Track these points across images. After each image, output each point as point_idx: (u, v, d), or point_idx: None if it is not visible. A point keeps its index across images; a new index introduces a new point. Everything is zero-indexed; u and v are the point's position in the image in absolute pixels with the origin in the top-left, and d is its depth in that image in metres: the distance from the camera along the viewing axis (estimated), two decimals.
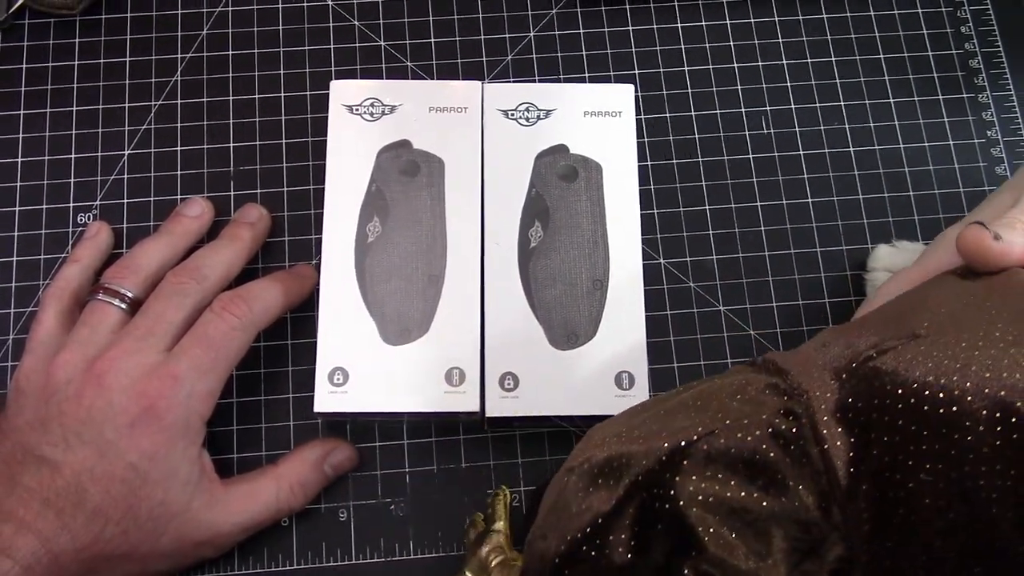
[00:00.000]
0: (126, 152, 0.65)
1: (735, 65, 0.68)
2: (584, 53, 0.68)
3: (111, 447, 0.50)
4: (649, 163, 0.65)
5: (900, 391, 0.32)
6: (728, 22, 0.68)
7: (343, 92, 0.61)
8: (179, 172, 0.64)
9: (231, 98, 0.66)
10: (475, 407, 0.56)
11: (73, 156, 0.64)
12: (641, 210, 0.62)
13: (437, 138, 0.60)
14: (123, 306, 0.55)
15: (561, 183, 0.60)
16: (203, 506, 0.53)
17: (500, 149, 0.60)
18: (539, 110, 0.61)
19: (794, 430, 0.34)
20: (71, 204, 0.63)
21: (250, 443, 0.60)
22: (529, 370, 0.56)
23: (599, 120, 0.61)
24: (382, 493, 0.59)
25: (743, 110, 0.67)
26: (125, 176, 0.64)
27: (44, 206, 0.63)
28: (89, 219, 0.63)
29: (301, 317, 0.61)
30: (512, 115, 0.61)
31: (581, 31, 0.68)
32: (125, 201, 0.64)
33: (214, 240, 0.60)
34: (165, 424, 0.51)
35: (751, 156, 0.66)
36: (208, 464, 0.54)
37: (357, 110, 0.61)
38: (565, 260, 0.59)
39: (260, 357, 0.61)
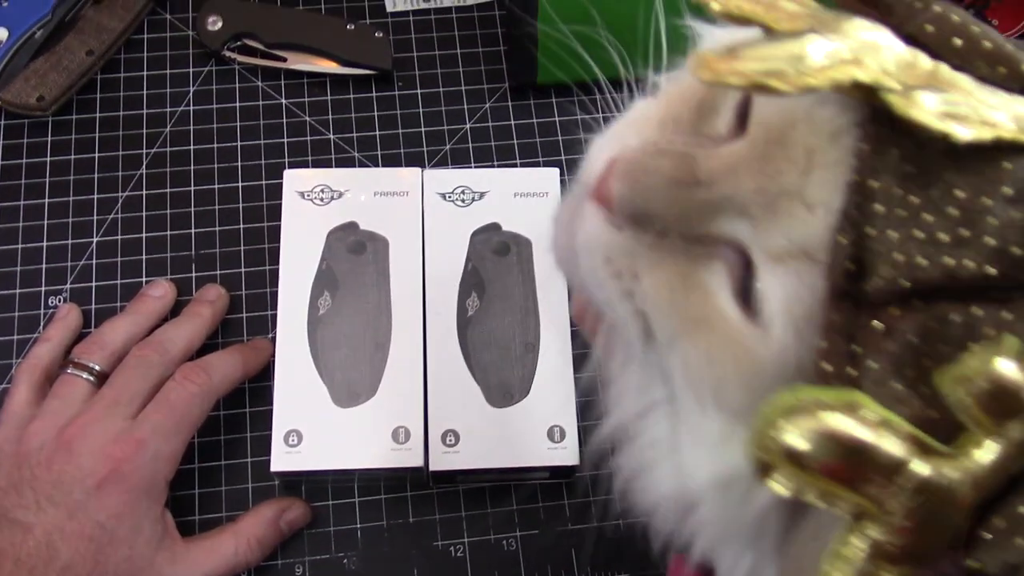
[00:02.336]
0: (95, 239, 0.70)
1: None
2: (516, 141, 0.75)
3: (80, 507, 0.55)
4: None
5: None
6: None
7: (295, 180, 0.67)
8: (144, 256, 0.70)
9: (192, 188, 0.72)
10: (420, 463, 0.61)
11: (45, 244, 0.69)
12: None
13: (382, 219, 0.66)
14: (91, 379, 0.60)
15: (495, 257, 0.66)
16: (166, 562, 0.57)
17: (439, 228, 0.66)
18: (474, 192, 0.68)
19: None
20: (43, 288, 0.68)
21: (211, 506, 0.64)
22: (469, 427, 0.62)
23: (528, 200, 0.68)
24: (335, 548, 0.63)
25: None
26: (94, 261, 0.69)
27: (17, 291, 0.68)
28: (60, 302, 0.68)
29: (258, 387, 0.66)
30: (449, 197, 0.67)
31: (512, 122, 0.76)
32: (94, 284, 0.69)
33: (176, 317, 0.65)
34: (131, 485, 0.56)
35: None
36: (171, 522, 0.58)
37: (308, 196, 0.67)
38: (500, 326, 0.64)
39: (220, 424, 0.65)
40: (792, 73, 0.23)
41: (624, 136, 0.31)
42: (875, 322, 0.24)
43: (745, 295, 0.28)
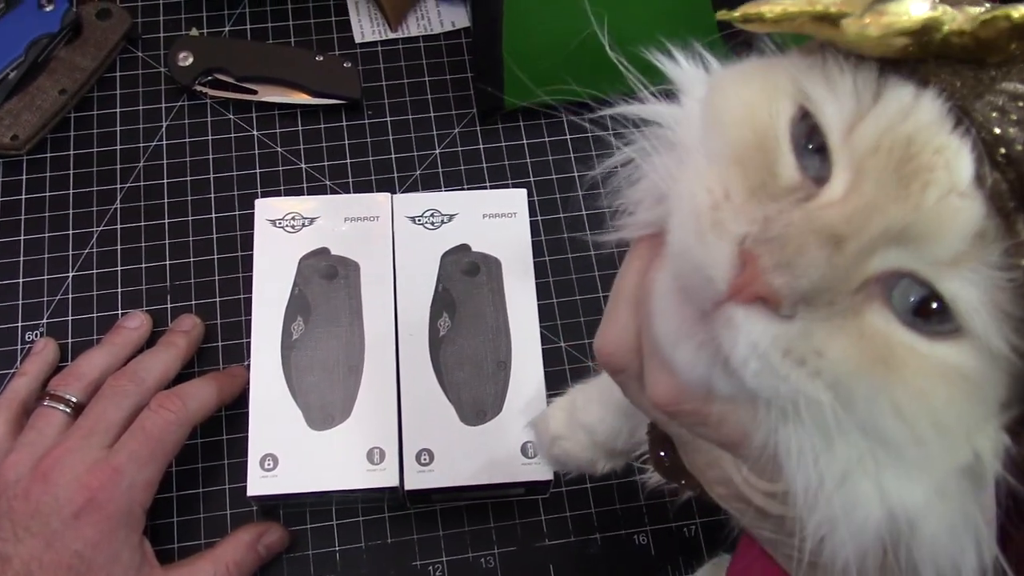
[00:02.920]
0: (70, 274, 0.71)
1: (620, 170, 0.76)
2: (484, 165, 0.76)
3: (58, 537, 0.55)
4: (547, 258, 0.73)
5: None
6: (611, 132, 0.77)
7: (267, 209, 0.68)
8: (119, 289, 0.71)
9: (166, 221, 0.73)
10: (395, 482, 0.61)
11: (21, 280, 0.70)
12: (541, 300, 0.69)
13: (353, 244, 0.67)
14: (67, 410, 0.60)
15: (465, 278, 0.67)
16: None
17: (409, 251, 0.67)
18: (443, 215, 0.69)
19: None
20: (19, 323, 0.69)
21: (190, 533, 0.64)
22: (443, 445, 0.62)
23: (497, 221, 0.69)
24: (314, 571, 0.64)
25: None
26: (70, 296, 0.70)
27: None
28: (36, 336, 0.69)
29: (235, 414, 0.67)
30: (419, 221, 0.68)
31: (481, 146, 0.77)
32: (70, 318, 0.69)
33: (151, 347, 0.66)
34: (108, 513, 0.56)
35: None
36: (149, 550, 0.59)
37: (280, 224, 0.68)
38: (471, 346, 0.65)
39: (197, 452, 0.66)
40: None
41: (711, 228, 0.29)
42: None
43: (913, 319, 0.28)
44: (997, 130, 0.27)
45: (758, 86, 0.32)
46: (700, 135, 0.32)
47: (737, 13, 0.31)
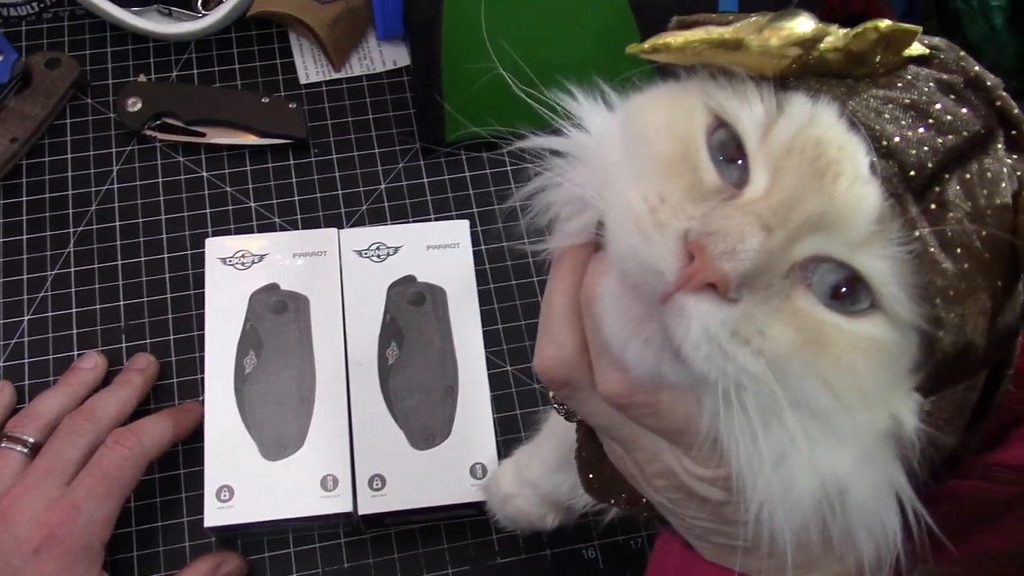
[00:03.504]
0: (25, 318, 0.72)
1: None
2: (429, 198, 0.79)
3: (18, 574, 0.56)
4: (491, 285, 0.76)
5: None
6: (548, 163, 0.80)
7: (217, 247, 0.70)
8: (75, 331, 0.72)
9: (119, 262, 0.75)
10: (349, 508, 0.63)
11: None
12: (487, 326, 0.72)
13: (302, 279, 0.70)
14: (24, 451, 0.62)
15: (411, 308, 0.70)
16: None
17: (357, 284, 0.70)
18: (388, 248, 0.71)
19: None
20: None
21: (150, 566, 0.66)
22: (394, 470, 0.65)
23: (440, 252, 0.72)
24: None
25: None
26: (25, 339, 0.72)
27: None
28: None
29: (191, 448, 0.68)
30: (365, 254, 0.71)
31: (425, 180, 0.80)
32: (26, 361, 0.71)
33: (107, 386, 0.67)
34: (66, 549, 0.58)
35: None
36: None
37: (230, 261, 0.70)
38: (419, 373, 0.68)
39: (155, 487, 0.68)
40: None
41: (652, 228, 0.32)
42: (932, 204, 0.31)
43: (831, 302, 0.32)
44: (877, 127, 0.31)
45: (675, 103, 0.35)
46: (620, 153, 0.36)
47: (646, 45, 0.35)
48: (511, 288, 0.76)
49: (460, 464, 0.65)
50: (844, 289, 0.32)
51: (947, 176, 0.31)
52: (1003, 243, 0.31)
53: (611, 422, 0.37)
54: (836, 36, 0.33)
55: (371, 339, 0.68)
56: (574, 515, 0.62)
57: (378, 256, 0.71)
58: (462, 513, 0.67)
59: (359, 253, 0.71)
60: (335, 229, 0.72)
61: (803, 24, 0.33)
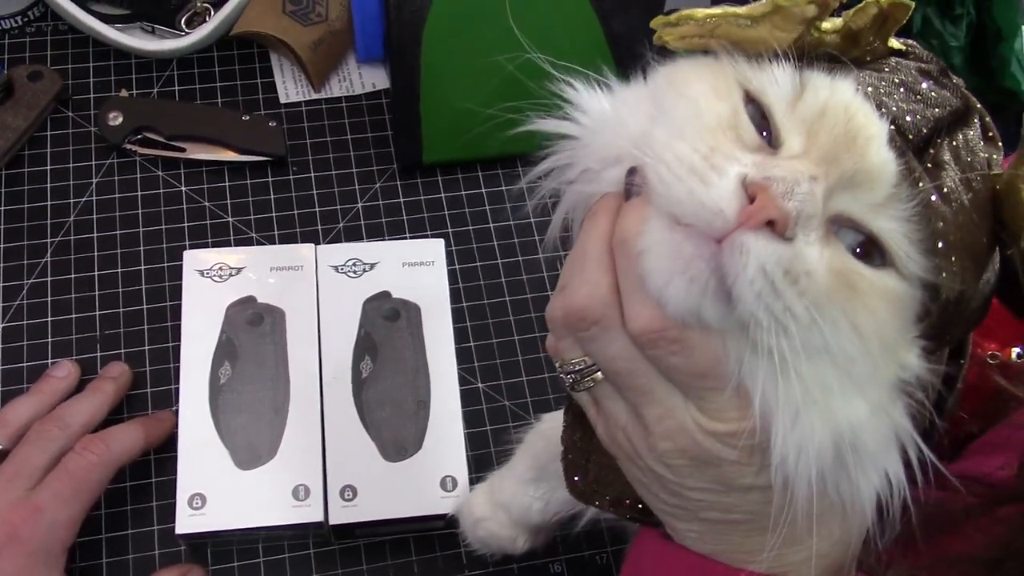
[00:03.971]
0: (0, 325, 0.73)
1: (532, 220, 0.81)
2: (405, 217, 0.81)
3: None
4: (464, 304, 0.77)
5: None
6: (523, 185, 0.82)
7: (195, 259, 0.72)
8: (50, 339, 0.73)
9: (96, 273, 0.75)
10: (320, 517, 0.64)
11: None
12: (460, 343, 0.73)
13: (278, 293, 0.71)
14: None
15: (386, 323, 0.71)
16: None
17: (332, 298, 0.71)
18: (364, 264, 0.73)
19: None
20: None
21: (119, 574, 0.66)
22: (366, 481, 0.66)
23: (415, 269, 0.73)
24: None
25: (541, 256, 0.80)
26: (0, 346, 0.72)
27: None
28: None
29: (164, 458, 0.69)
30: (342, 269, 0.72)
31: (401, 199, 0.81)
32: (0, 367, 0.71)
33: (79, 393, 0.68)
34: (28, 549, 0.58)
35: (550, 293, 0.78)
36: None
37: (208, 274, 0.71)
38: (392, 386, 0.69)
39: (127, 494, 0.68)
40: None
41: (710, 173, 0.34)
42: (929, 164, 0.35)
43: (860, 254, 0.35)
44: (877, 98, 0.36)
45: (713, 72, 0.38)
46: (646, 117, 0.38)
47: (672, 17, 0.39)
48: (484, 307, 0.78)
49: (430, 476, 0.66)
50: (858, 250, 0.35)
51: (939, 141, 0.35)
52: (986, 204, 0.36)
53: (632, 367, 0.38)
54: (831, 23, 0.37)
55: (346, 352, 0.70)
56: (543, 538, 0.63)
57: (354, 272, 0.72)
58: (432, 526, 0.68)
59: (335, 268, 0.72)
60: (312, 244, 0.73)
61: None
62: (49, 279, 0.75)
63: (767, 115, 0.36)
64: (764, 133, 0.36)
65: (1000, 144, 0.38)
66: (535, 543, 0.63)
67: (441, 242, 0.75)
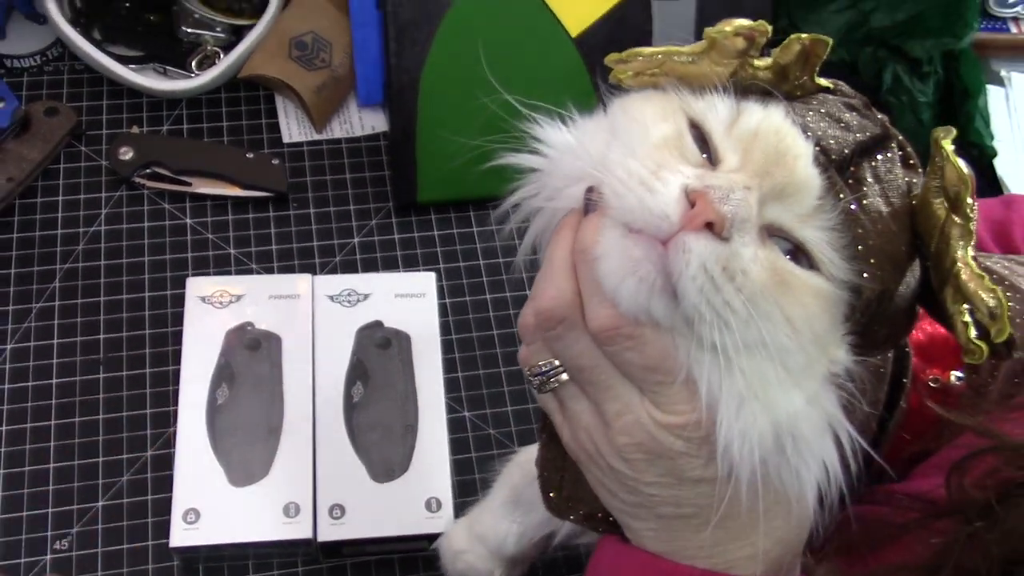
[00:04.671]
0: (8, 346, 0.76)
1: (523, 257, 0.85)
2: (399, 253, 0.84)
3: None
4: (454, 336, 0.81)
5: None
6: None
7: (197, 286, 0.75)
8: (55, 360, 0.76)
9: (102, 299, 0.79)
10: (309, 534, 0.67)
11: None
12: (448, 373, 0.77)
13: (275, 319, 0.74)
14: None
15: (378, 351, 0.74)
16: None
17: (327, 326, 0.75)
18: (359, 294, 0.76)
19: None
20: None
21: None
22: (354, 501, 0.68)
23: (407, 300, 0.77)
24: None
25: (527, 292, 0.83)
26: (7, 366, 0.75)
27: None
28: None
29: (160, 476, 0.72)
30: (336, 299, 0.76)
31: (396, 236, 0.85)
32: (6, 387, 0.74)
33: None
34: None
35: None
36: None
37: (208, 300, 0.75)
38: (382, 411, 0.72)
39: (123, 511, 0.71)
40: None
41: (657, 184, 0.38)
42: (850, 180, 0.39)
43: (793, 257, 0.39)
44: (804, 123, 0.40)
45: (660, 101, 0.43)
46: (604, 142, 0.42)
47: (623, 54, 0.44)
48: (472, 340, 0.81)
49: (416, 498, 0.69)
50: (788, 257, 0.39)
51: (859, 162, 0.40)
52: (904, 217, 0.40)
53: (593, 363, 0.41)
54: (765, 60, 0.42)
55: (338, 378, 0.73)
56: (520, 571, 0.67)
57: (349, 301, 0.76)
58: (417, 546, 0.70)
59: (331, 298, 0.76)
60: (309, 275, 0.77)
61: (743, 19, 0.41)
62: (57, 303, 0.78)
63: (707, 138, 0.40)
64: (705, 155, 0.40)
65: (920, 170, 0.42)
66: (512, 574, 0.66)
67: (433, 275, 0.78)
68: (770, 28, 0.41)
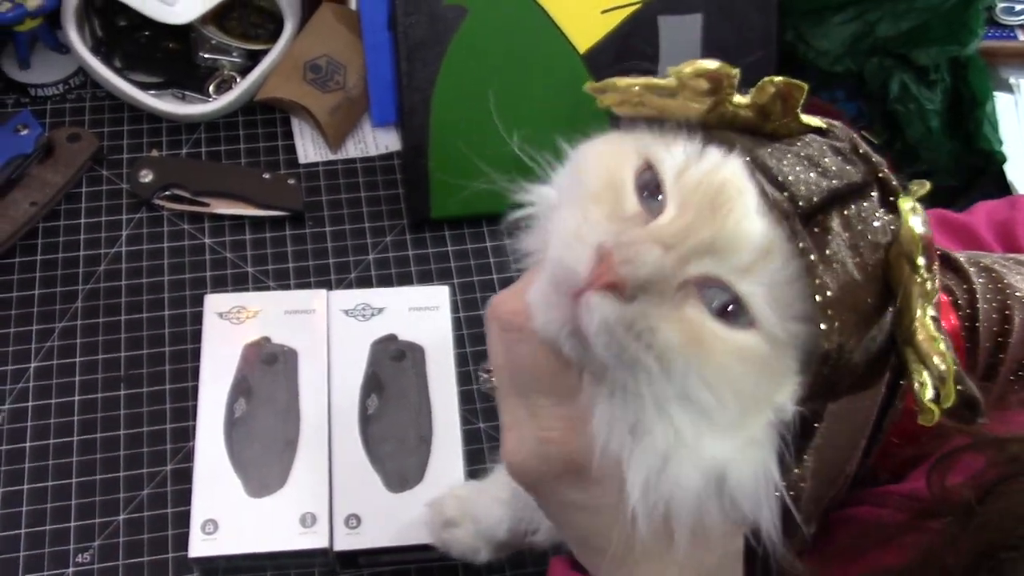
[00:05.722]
0: (32, 365, 0.78)
1: None
2: (413, 268, 0.86)
3: None
4: (468, 349, 0.81)
5: None
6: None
7: (215, 303, 0.77)
8: (77, 378, 0.78)
9: (123, 317, 0.81)
10: (325, 543, 0.68)
11: None
12: (463, 386, 0.77)
13: (292, 334, 0.76)
14: None
15: (392, 363, 0.75)
16: None
17: (342, 340, 0.76)
18: (373, 308, 0.78)
19: None
20: None
21: None
22: (370, 511, 0.69)
23: (421, 313, 0.78)
24: None
25: None
26: (31, 384, 0.77)
27: None
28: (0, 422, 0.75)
29: (180, 489, 0.73)
30: (351, 313, 0.77)
31: (410, 252, 0.86)
32: (30, 404, 0.76)
33: None
34: None
35: None
36: None
37: (226, 316, 0.76)
38: (396, 423, 0.73)
39: (143, 524, 0.72)
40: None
41: (589, 236, 0.39)
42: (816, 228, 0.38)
43: (721, 314, 0.38)
44: (774, 166, 0.39)
45: (612, 148, 0.43)
46: (565, 190, 0.43)
47: (599, 84, 0.43)
48: (485, 353, 0.81)
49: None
50: (730, 308, 0.38)
51: (830, 210, 0.38)
52: (875, 268, 0.38)
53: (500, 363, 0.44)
54: (741, 97, 0.40)
55: (353, 390, 0.74)
56: (505, 553, 0.67)
57: (363, 315, 0.77)
58: (433, 555, 0.71)
59: (346, 312, 0.77)
60: (324, 290, 0.78)
61: (710, 62, 0.40)
62: (79, 322, 0.80)
63: (659, 185, 0.41)
64: (660, 197, 0.40)
65: None
66: (497, 555, 0.67)
67: (446, 288, 0.80)
68: (736, 71, 0.40)
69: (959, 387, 0.37)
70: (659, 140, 0.42)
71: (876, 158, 0.41)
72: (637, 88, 0.42)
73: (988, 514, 0.38)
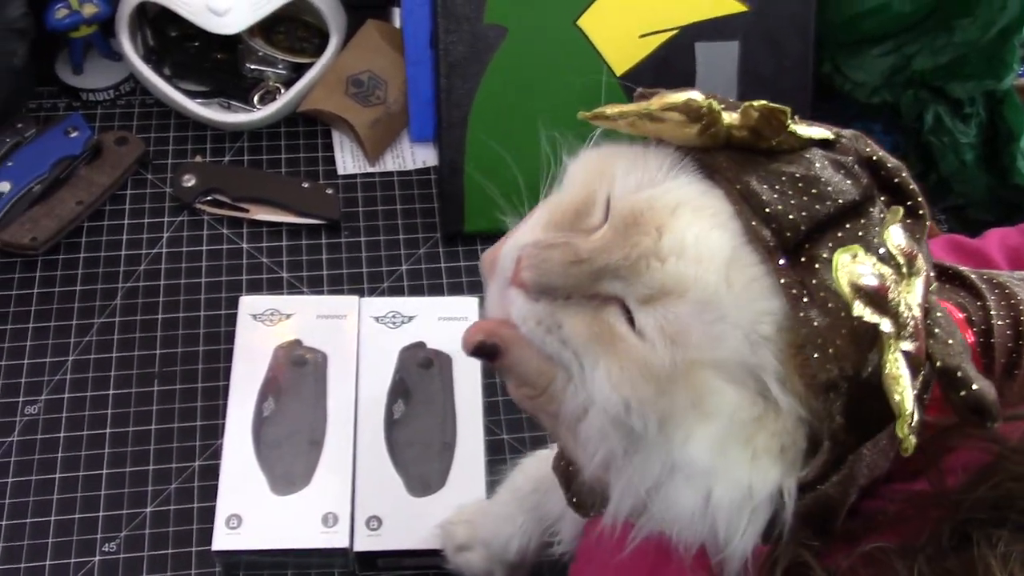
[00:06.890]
0: (70, 358, 0.80)
1: None
2: (445, 280, 0.87)
3: None
4: None
5: None
6: None
7: (250, 304, 0.78)
8: (112, 373, 0.79)
9: (159, 316, 0.83)
10: (345, 543, 0.69)
11: (26, 361, 0.79)
12: (488, 397, 0.78)
13: (323, 337, 0.77)
14: None
15: (419, 370, 0.77)
16: None
17: (372, 345, 0.77)
18: (403, 316, 0.79)
19: None
20: (20, 399, 0.78)
21: None
22: (391, 513, 0.70)
23: (450, 323, 0.79)
24: None
25: None
26: (68, 376, 0.79)
27: None
28: (36, 411, 0.77)
29: (206, 486, 0.74)
30: (382, 320, 0.78)
31: (443, 264, 0.88)
32: (66, 396, 0.78)
33: None
34: None
35: None
36: None
37: (260, 317, 0.78)
38: (421, 428, 0.74)
39: (169, 518, 0.73)
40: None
41: (523, 238, 0.42)
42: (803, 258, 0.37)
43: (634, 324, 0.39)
44: (762, 196, 0.38)
45: (597, 162, 0.44)
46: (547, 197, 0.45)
47: (589, 113, 0.43)
48: None
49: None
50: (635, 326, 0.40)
51: (820, 236, 0.38)
52: None
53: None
54: (732, 116, 0.40)
55: (380, 394, 0.75)
56: (520, 573, 0.68)
57: (393, 323, 0.78)
58: None
59: (376, 319, 0.78)
60: (356, 296, 0.80)
61: (688, 94, 0.40)
62: (117, 319, 0.82)
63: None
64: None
65: (927, 223, 0.40)
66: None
67: (475, 300, 0.81)
68: (711, 104, 0.39)
69: (924, 419, 0.37)
70: (637, 155, 0.42)
71: (891, 163, 0.40)
72: (628, 115, 0.42)
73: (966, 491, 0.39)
